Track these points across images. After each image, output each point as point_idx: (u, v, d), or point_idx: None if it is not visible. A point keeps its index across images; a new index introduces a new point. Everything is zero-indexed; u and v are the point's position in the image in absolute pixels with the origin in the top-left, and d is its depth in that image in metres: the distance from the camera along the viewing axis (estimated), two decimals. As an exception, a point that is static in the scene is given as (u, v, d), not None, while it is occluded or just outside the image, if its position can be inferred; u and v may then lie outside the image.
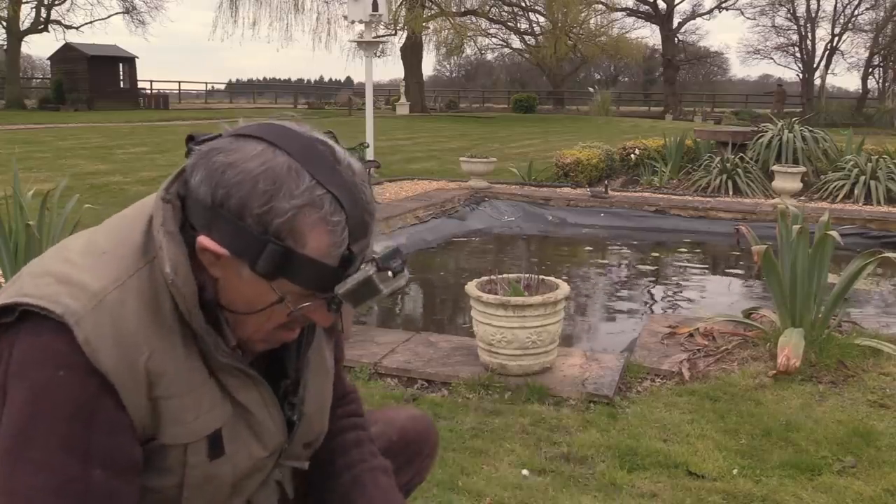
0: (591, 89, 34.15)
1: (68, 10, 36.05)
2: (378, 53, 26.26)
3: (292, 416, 1.07)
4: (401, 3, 26.92)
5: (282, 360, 1.07)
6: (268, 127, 0.92)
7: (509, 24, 34.46)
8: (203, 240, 0.88)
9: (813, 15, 38.21)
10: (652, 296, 5.89)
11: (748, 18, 42.45)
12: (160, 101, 31.42)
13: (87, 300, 0.86)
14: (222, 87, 53.42)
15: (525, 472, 2.48)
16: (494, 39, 37.65)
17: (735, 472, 2.48)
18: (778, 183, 8.51)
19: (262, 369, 1.03)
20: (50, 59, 31.08)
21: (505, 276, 3.36)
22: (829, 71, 38.61)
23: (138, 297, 0.89)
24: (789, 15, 38.97)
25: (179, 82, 40.02)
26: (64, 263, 0.91)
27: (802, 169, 8.72)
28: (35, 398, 0.84)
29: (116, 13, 36.43)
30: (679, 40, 41.43)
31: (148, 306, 0.89)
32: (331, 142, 0.93)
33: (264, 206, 0.85)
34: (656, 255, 7.22)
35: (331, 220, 0.87)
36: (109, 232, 0.96)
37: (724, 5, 39.92)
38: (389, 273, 0.90)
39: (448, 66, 61.65)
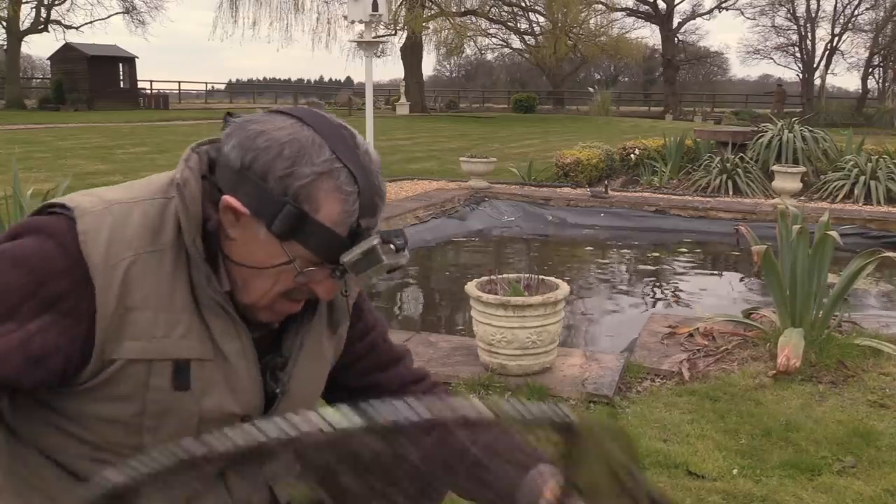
0: (591, 89, 34.17)
1: (68, 10, 36.10)
2: (378, 53, 26.27)
3: (275, 389, 1.09)
4: (401, 3, 26.91)
5: (280, 341, 1.11)
6: (300, 108, 1.03)
7: (509, 24, 34.46)
8: (228, 198, 0.96)
9: (813, 15, 38.23)
10: (652, 296, 5.89)
11: (748, 18, 42.36)
12: (160, 101, 31.43)
13: (98, 203, 0.98)
14: (222, 87, 53.57)
15: (525, 472, 2.47)
16: (494, 39, 37.67)
17: (735, 472, 2.48)
18: (778, 183, 8.51)
19: (262, 349, 1.06)
20: (50, 59, 31.08)
21: (505, 276, 3.36)
22: (829, 71, 38.67)
23: (143, 215, 0.98)
24: (789, 15, 39.00)
25: (179, 82, 40.09)
26: (96, 189, 1.04)
27: (802, 169, 8.72)
28: (17, 246, 0.95)
29: (116, 13, 36.41)
30: (679, 40, 41.43)
31: (150, 224, 0.98)
32: (354, 131, 1.02)
33: (286, 170, 0.94)
34: (656, 255, 7.21)
35: (344, 190, 0.95)
36: (140, 180, 1.08)
37: (724, 5, 39.93)
38: (392, 247, 0.97)
39: (448, 66, 61.71)
